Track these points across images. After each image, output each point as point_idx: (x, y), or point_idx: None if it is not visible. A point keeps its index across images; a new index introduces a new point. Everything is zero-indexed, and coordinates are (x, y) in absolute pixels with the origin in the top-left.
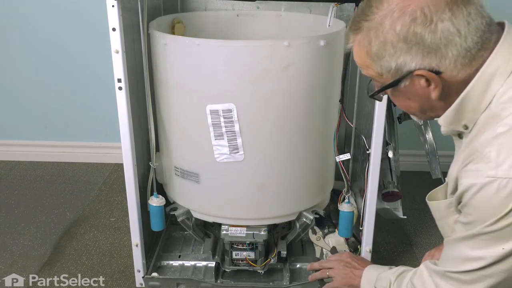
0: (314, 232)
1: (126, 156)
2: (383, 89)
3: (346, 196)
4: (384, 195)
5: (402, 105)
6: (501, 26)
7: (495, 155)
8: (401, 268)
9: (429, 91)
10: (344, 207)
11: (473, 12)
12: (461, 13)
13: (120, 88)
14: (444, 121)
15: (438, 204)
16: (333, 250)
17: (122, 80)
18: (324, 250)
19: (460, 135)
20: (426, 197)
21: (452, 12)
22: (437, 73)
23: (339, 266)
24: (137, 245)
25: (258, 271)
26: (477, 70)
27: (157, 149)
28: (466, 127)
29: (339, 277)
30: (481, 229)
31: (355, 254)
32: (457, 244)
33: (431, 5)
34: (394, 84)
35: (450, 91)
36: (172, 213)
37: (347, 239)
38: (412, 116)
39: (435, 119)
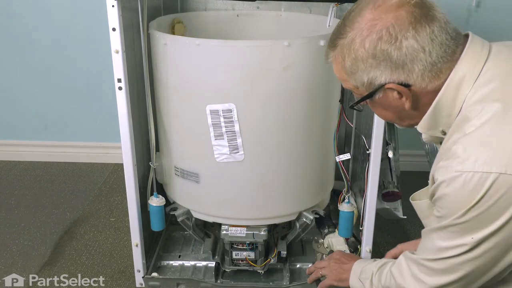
0: (316, 241)
1: (126, 156)
2: (360, 101)
3: (346, 196)
4: (384, 195)
5: (381, 114)
6: (467, 37)
7: (462, 151)
8: (383, 260)
9: (402, 102)
10: (344, 207)
11: (436, 29)
12: (424, 31)
13: (120, 88)
14: (421, 128)
15: (420, 203)
16: (330, 253)
17: (122, 80)
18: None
19: (441, 143)
20: (410, 198)
21: (416, 30)
22: (407, 86)
23: (330, 264)
24: (137, 245)
25: (258, 271)
26: (445, 80)
27: (157, 149)
28: (444, 133)
29: (330, 274)
30: (451, 221)
31: (355, 254)
32: (430, 235)
33: (396, 25)
34: (369, 96)
35: (422, 101)
36: (172, 213)
37: (347, 239)
38: (395, 124)
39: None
